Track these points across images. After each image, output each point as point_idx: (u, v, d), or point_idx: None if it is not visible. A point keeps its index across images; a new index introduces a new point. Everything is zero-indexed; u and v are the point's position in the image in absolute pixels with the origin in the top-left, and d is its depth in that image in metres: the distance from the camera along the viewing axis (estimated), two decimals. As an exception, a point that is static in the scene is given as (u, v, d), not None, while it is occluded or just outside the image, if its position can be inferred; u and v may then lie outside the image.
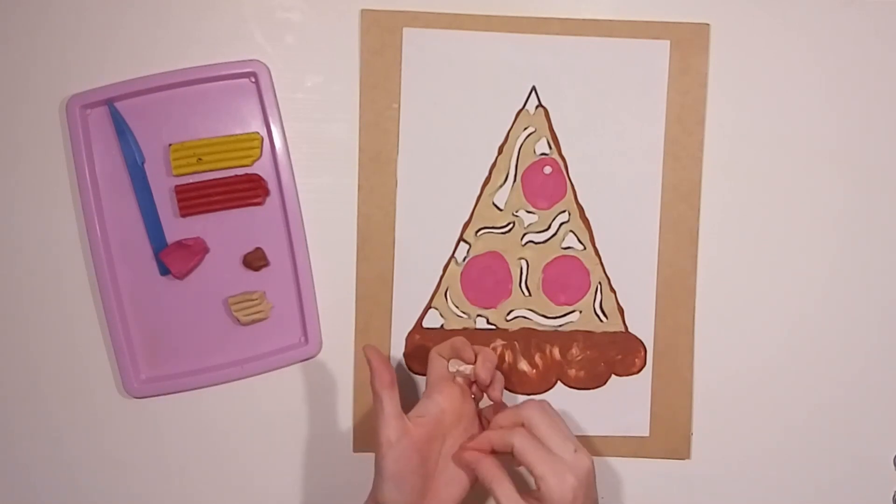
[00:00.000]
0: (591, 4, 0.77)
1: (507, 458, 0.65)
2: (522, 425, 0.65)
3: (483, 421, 0.70)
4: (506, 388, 0.77)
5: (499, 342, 0.77)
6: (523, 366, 0.77)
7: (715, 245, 0.77)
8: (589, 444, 0.77)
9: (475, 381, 0.69)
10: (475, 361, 0.69)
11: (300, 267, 0.75)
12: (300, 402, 0.76)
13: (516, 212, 0.77)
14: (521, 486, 0.63)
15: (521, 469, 0.65)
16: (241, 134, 0.75)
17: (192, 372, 0.75)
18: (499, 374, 0.70)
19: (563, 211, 0.77)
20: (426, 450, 0.66)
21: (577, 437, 0.77)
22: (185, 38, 0.75)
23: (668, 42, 0.76)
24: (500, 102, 0.76)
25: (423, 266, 0.77)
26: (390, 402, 0.65)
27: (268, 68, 0.75)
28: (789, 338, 0.78)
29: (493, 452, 0.66)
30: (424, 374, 0.76)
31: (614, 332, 0.77)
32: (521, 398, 0.77)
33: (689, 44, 0.76)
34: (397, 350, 0.77)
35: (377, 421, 0.65)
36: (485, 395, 0.70)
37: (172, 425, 0.76)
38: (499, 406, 0.69)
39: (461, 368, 0.68)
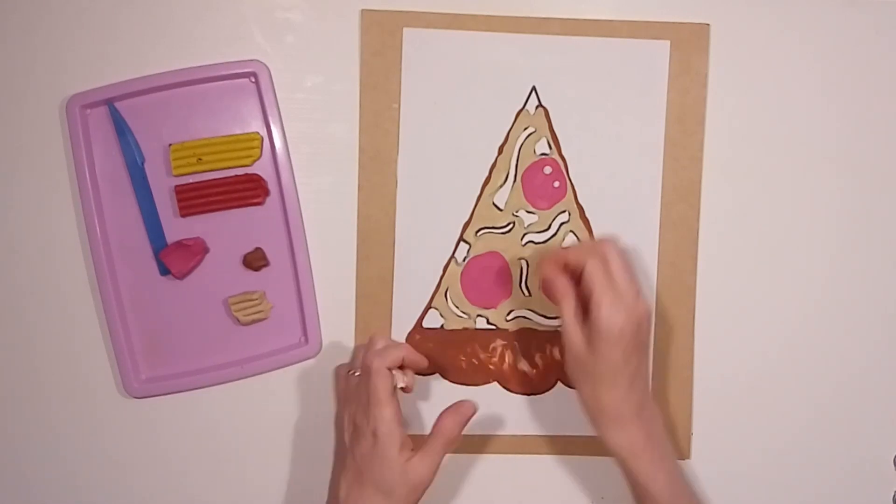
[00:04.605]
0: (591, 4, 0.77)
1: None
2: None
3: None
4: (506, 389, 0.77)
5: (499, 342, 0.77)
6: (523, 366, 0.77)
7: (715, 245, 0.77)
8: (589, 445, 0.77)
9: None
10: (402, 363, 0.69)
11: (300, 267, 0.75)
12: (300, 402, 0.76)
13: (516, 212, 0.77)
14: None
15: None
16: (241, 134, 0.75)
17: (192, 372, 0.75)
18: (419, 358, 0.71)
19: (563, 211, 0.77)
20: None
21: (578, 437, 0.77)
22: (185, 38, 0.75)
23: (668, 42, 0.76)
24: (500, 102, 0.76)
25: (423, 266, 0.77)
26: None
27: (268, 68, 0.75)
28: (789, 338, 0.78)
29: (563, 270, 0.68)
30: (423, 375, 0.76)
31: (614, 332, 0.77)
32: (521, 398, 0.77)
33: (689, 44, 0.76)
34: (397, 350, 0.76)
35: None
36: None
37: (172, 425, 0.76)
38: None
39: (407, 383, 0.69)
